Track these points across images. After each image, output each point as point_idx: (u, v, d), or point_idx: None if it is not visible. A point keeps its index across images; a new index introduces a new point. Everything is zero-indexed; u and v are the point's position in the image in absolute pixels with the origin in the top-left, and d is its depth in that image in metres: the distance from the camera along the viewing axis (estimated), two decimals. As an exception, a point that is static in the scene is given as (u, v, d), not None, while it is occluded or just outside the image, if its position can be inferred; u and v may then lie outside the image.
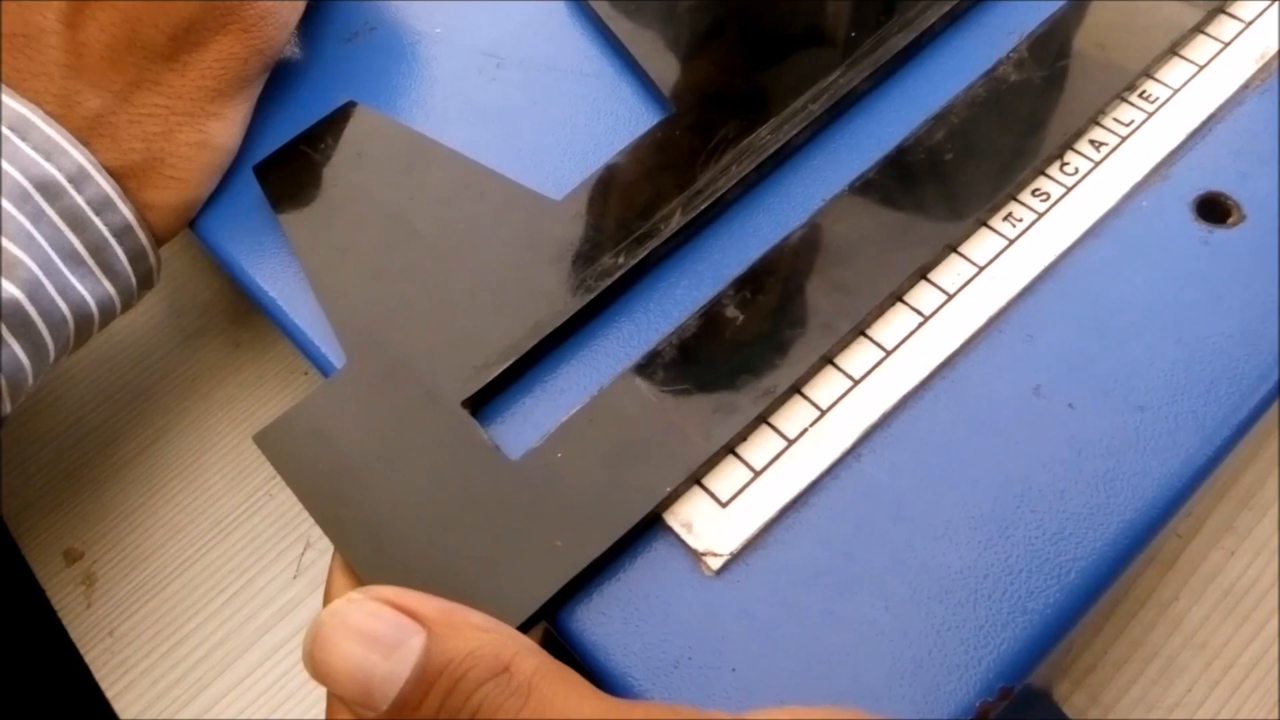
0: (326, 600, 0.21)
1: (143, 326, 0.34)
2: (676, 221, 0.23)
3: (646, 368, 0.21)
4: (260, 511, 0.30)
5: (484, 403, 0.22)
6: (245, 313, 0.33)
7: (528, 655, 0.17)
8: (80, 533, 0.30)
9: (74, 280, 0.24)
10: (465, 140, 0.26)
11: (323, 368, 0.23)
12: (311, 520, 0.24)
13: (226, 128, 0.26)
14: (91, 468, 0.31)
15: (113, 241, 0.24)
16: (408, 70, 0.28)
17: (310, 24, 0.29)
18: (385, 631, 0.17)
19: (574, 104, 0.27)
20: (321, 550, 0.29)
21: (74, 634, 0.29)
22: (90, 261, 0.24)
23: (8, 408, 0.23)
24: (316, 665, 0.17)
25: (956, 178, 0.23)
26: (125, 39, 0.24)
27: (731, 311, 0.22)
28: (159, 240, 0.26)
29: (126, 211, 0.25)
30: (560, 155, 0.26)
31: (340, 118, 0.26)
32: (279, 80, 0.28)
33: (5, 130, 0.23)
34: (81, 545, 0.30)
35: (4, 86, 0.23)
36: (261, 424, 0.22)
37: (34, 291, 0.23)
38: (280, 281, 0.25)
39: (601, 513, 0.20)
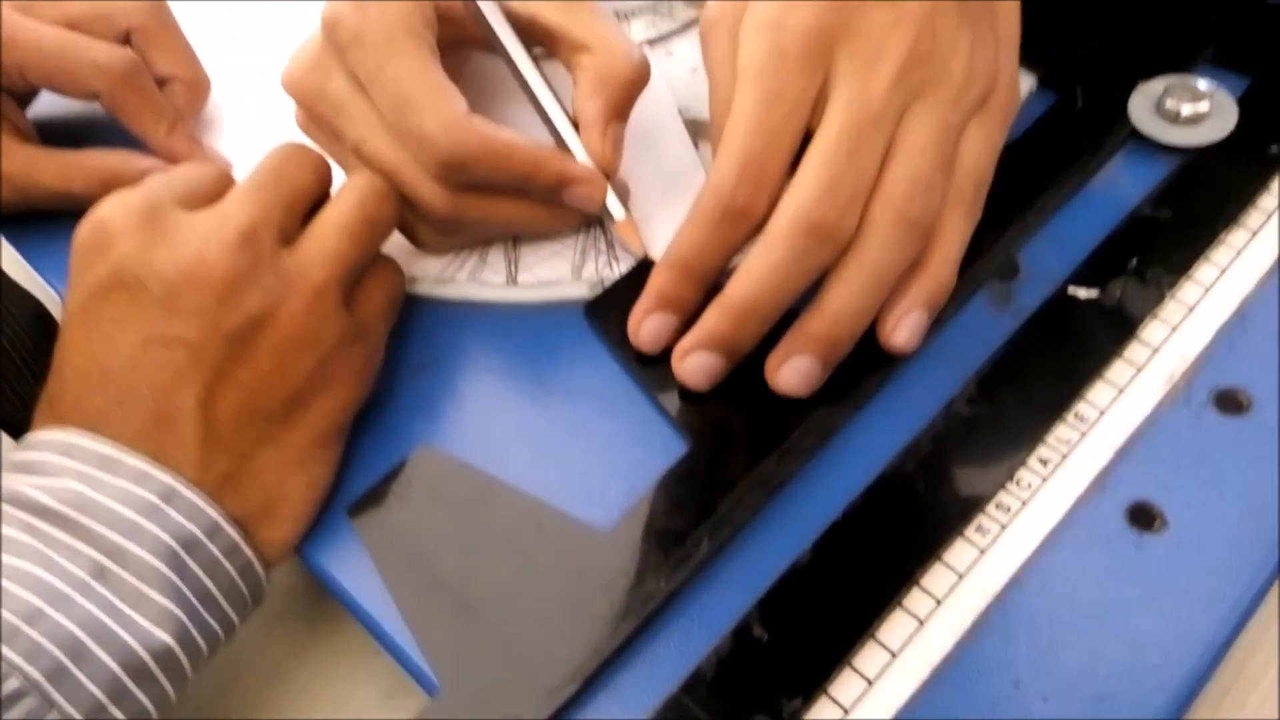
0: None
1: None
2: (705, 548, 0.28)
3: (692, 687, 0.26)
4: (348, 788, 0.33)
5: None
6: (320, 597, 0.38)
7: None
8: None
9: (210, 619, 0.28)
10: (523, 464, 0.31)
11: (423, 684, 0.28)
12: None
13: (328, 469, 0.31)
14: (188, 751, 0.35)
15: (238, 580, 0.29)
16: (470, 399, 0.34)
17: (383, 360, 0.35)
18: None
19: (614, 430, 0.32)
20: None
21: None
22: (222, 600, 0.29)
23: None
24: None
25: (932, 498, 0.28)
26: (249, 410, 0.30)
27: (758, 630, 0.27)
28: (268, 567, 0.31)
29: (249, 552, 0.29)
30: (604, 478, 0.31)
31: (416, 461, 0.32)
32: (361, 412, 0.33)
33: (157, 501, 0.28)
34: (186, 829, 0.33)
35: (152, 461, 0.28)
36: (343, 703, 0.26)
37: (181, 635, 0.27)
38: (379, 601, 0.29)
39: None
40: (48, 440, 0.28)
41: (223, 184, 0.32)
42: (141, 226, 0.29)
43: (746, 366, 0.32)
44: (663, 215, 0.36)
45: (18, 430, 0.39)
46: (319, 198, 0.32)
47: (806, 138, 0.29)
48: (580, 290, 0.35)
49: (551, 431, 0.32)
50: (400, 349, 0.35)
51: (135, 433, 0.28)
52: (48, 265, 0.39)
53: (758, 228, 0.29)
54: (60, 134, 0.41)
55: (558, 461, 0.32)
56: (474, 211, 0.34)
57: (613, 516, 0.30)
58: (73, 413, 0.29)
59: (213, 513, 0.29)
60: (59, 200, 0.38)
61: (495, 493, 0.31)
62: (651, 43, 0.42)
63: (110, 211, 0.29)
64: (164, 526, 0.28)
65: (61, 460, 0.28)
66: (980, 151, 0.31)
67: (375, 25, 0.32)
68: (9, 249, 0.39)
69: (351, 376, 0.31)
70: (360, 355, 0.31)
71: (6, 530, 0.26)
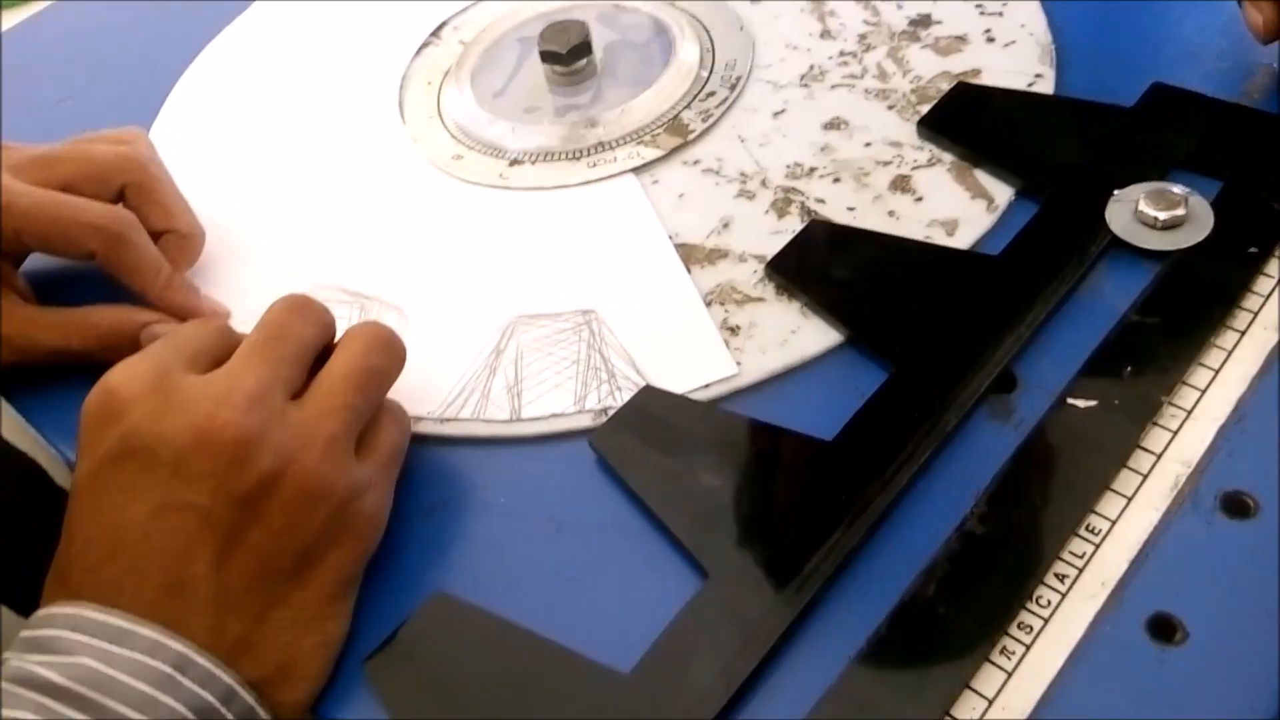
0: None
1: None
2: (728, 687, 0.28)
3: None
4: None
5: None
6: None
7: None
8: None
9: (226, 788, 0.28)
10: (538, 604, 0.31)
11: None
12: None
13: (342, 623, 0.31)
14: None
15: (255, 745, 0.29)
16: (481, 540, 0.33)
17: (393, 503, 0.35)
18: None
19: (627, 564, 0.32)
20: None
21: None
22: (239, 768, 0.28)
23: None
24: None
25: (954, 621, 0.28)
26: (260, 571, 0.29)
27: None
28: (283, 727, 0.30)
29: (265, 716, 0.29)
30: (621, 615, 0.31)
31: (429, 608, 0.31)
32: (371, 560, 0.33)
33: (171, 671, 0.27)
34: None
35: (164, 630, 0.28)
36: None
37: (199, 807, 0.27)
38: (400, 761, 0.29)
39: None
40: (57, 616, 0.28)
41: (228, 341, 0.32)
42: (151, 393, 0.29)
43: (760, 492, 0.32)
44: (659, 343, 0.36)
45: (14, 600, 0.38)
46: (324, 348, 0.33)
47: None
48: (584, 421, 0.35)
49: (565, 569, 0.32)
50: (408, 492, 0.35)
51: (147, 602, 0.28)
52: (46, 423, 0.39)
53: None
54: (55, 286, 0.42)
55: (573, 600, 0.31)
56: None
57: (632, 656, 0.29)
58: (84, 585, 0.28)
59: (227, 679, 0.28)
60: (59, 358, 0.38)
61: (511, 638, 0.30)
62: (637, 170, 0.43)
63: (119, 379, 0.29)
64: (178, 697, 0.27)
65: (72, 636, 0.27)
66: None
67: None
68: (7, 409, 0.39)
69: (362, 527, 0.31)
70: (370, 504, 0.31)
71: (18, 714, 0.26)
